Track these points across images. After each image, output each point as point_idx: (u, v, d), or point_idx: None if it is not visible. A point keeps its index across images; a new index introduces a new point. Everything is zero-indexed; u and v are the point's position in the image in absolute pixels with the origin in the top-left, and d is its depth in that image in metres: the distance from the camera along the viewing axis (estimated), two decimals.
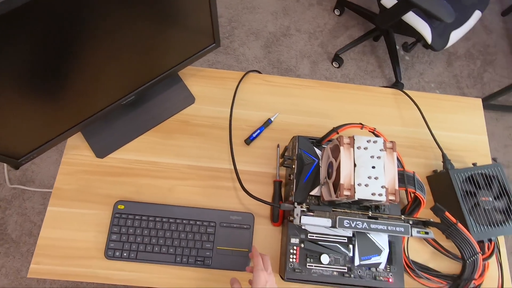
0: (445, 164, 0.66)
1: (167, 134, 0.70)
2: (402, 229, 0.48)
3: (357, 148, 0.48)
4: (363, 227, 0.48)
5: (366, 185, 0.46)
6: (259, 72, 0.81)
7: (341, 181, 0.46)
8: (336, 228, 0.48)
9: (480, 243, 0.61)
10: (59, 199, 0.64)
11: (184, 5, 0.54)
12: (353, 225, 0.48)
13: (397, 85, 1.58)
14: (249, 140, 0.70)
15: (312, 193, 0.57)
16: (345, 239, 0.56)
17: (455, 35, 1.23)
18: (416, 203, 0.60)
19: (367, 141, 0.49)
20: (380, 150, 0.48)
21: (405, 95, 0.77)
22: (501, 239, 0.68)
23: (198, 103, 0.73)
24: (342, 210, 0.50)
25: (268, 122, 0.72)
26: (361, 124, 0.59)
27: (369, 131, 0.60)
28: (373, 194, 0.46)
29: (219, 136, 0.70)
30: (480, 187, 0.63)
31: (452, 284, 0.51)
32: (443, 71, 1.71)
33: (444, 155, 0.68)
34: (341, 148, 0.48)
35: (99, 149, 0.67)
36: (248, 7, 1.72)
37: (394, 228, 0.48)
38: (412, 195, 0.61)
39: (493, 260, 0.64)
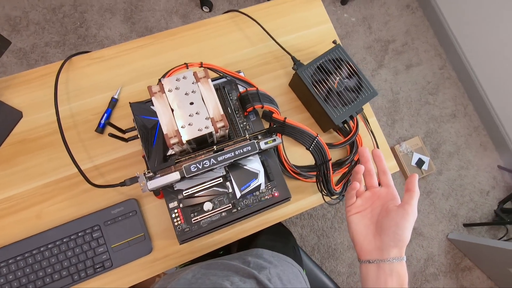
0: (294, 66, 0.66)
1: (7, 163, 0.61)
2: (249, 148, 0.48)
3: (169, 91, 0.45)
4: (212, 163, 0.47)
5: (190, 124, 0.44)
6: (86, 52, 0.71)
7: (164, 132, 0.43)
8: (186, 177, 0.46)
9: (345, 123, 0.65)
10: None
11: None
12: (200, 167, 0.46)
13: None
14: (100, 129, 0.63)
15: (170, 153, 0.54)
16: (220, 180, 0.55)
17: None
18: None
19: (177, 80, 0.45)
20: (193, 83, 0.46)
21: (242, 14, 0.73)
22: (369, 110, 0.73)
23: (28, 114, 0.63)
24: (187, 158, 0.48)
25: (113, 101, 0.65)
26: (185, 63, 0.55)
27: (198, 67, 0.56)
28: (200, 129, 0.44)
29: (66, 139, 0.62)
30: (330, 73, 0.64)
31: (317, 174, 0.54)
32: None
33: (292, 58, 0.68)
34: (153, 98, 0.44)
35: None
36: None
37: (242, 151, 0.48)
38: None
39: (366, 133, 0.69)
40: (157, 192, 0.60)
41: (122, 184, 0.48)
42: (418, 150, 1.48)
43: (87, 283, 0.57)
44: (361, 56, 1.63)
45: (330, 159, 0.52)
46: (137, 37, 1.47)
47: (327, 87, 0.63)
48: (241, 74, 0.61)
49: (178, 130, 0.43)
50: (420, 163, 1.44)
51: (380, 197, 0.44)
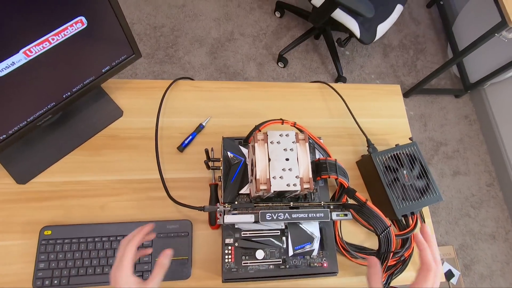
0: (369, 149, 0.71)
1: (94, 151, 0.68)
2: (322, 215, 0.51)
3: (271, 143, 0.50)
4: (285, 217, 0.50)
5: (281, 177, 0.48)
6: (191, 79, 0.81)
7: (257, 176, 0.48)
8: (259, 222, 0.49)
9: (404, 217, 0.66)
10: None
11: (92, 20, 0.53)
12: (275, 217, 0.49)
13: (340, 79, 1.66)
14: (181, 147, 0.69)
15: (243, 191, 0.58)
16: (278, 232, 0.57)
17: (382, 28, 1.33)
18: (342, 188, 0.63)
19: (280, 135, 0.51)
20: (293, 142, 0.51)
21: (330, 87, 0.81)
22: (426, 210, 0.73)
23: (127, 115, 0.72)
24: (265, 205, 0.51)
25: (200, 127, 0.72)
26: (281, 119, 0.61)
27: (291, 125, 0.62)
28: (288, 185, 0.48)
29: (149, 147, 0.69)
30: (400, 166, 0.68)
31: None
32: (381, 62, 1.82)
33: (368, 140, 0.72)
34: (255, 144, 0.49)
35: (20, 174, 0.63)
36: (190, 15, 1.72)
37: (314, 215, 0.51)
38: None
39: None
40: (213, 222, 0.63)
41: (201, 208, 0.52)
42: (449, 260, 1.40)
43: None
44: None
45: (393, 252, 0.53)
46: (215, 69, 1.63)
47: (397, 179, 0.66)
48: (321, 140, 0.66)
49: (269, 179, 0.48)
50: (449, 275, 1.36)
51: None
